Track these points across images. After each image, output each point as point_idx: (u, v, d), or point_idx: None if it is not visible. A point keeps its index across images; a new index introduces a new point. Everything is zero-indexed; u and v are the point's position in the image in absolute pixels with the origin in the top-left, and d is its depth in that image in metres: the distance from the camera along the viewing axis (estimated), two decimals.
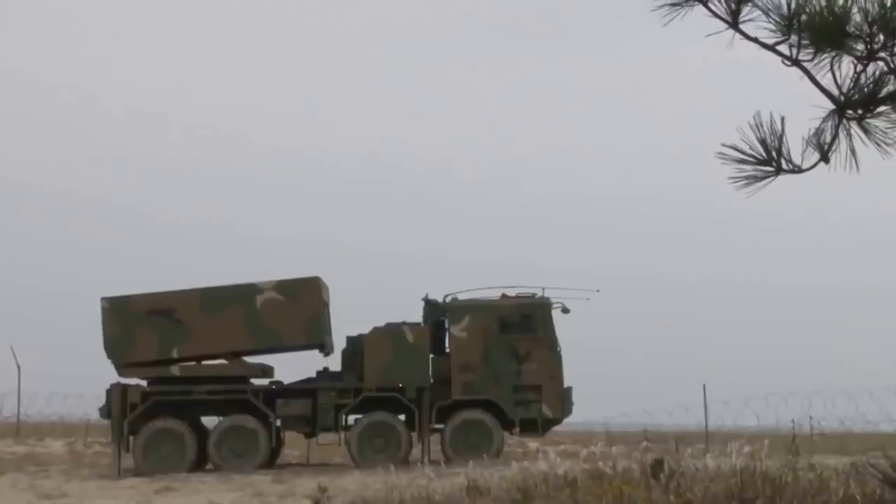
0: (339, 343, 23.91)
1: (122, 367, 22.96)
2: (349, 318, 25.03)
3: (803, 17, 3.65)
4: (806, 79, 3.81)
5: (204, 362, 23.56)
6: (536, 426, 23.17)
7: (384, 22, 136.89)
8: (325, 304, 23.55)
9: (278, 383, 23.82)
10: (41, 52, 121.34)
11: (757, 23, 3.76)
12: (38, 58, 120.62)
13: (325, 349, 23.86)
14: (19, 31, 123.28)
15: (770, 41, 3.76)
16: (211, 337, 22.75)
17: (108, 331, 22.95)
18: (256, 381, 23.73)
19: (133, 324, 22.86)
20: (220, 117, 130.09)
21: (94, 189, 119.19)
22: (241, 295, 23.09)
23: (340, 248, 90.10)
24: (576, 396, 23.43)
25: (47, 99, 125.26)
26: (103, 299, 23.11)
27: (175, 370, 23.14)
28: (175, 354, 22.97)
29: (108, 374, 23.10)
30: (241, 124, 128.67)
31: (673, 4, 3.72)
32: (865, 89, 3.84)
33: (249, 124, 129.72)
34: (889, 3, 3.66)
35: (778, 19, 3.71)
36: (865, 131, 3.86)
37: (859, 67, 3.81)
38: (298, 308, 22.86)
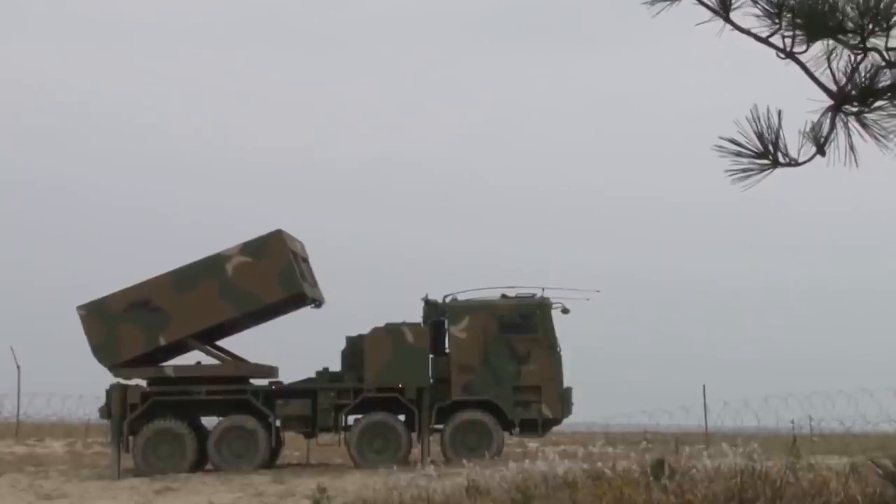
0: (339, 340, 23.91)
1: (117, 368, 22.93)
2: (349, 319, 25.00)
3: (792, 2, 3.63)
4: (803, 73, 3.80)
5: (203, 363, 23.56)
6: (536, 426, 23.12)
7: (384, 21, 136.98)
8: (296, 255, 23.42)
9: (278, 383, 23.82)
10: (41, 53, 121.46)
11: (745, 9, 3.74)
12: (37, 57, 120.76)
13: (312, 301, 23.82)
14: (19, 32, 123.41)
15: (762, 32, 3.75)
16: (192, 315, 22.72)
17: (92, 336, 22.88)
18: (256, 382, 23.75)
19: (115, 323, 22.82)
20: (221, 117, 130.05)
21: (94, 188, 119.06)
22: (211, 267, 23.03)
23: (340, 249, 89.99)
24: (575, 397, 23.43)
25: (48, 99, 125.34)
26: (79, 307, 23.04)
27: (173, 371, 23.16)
28: (163, 342, 22.91)
29: (108, 375, 23.11)
30: (241, 124, 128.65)
31: None
32: (862, 84, 3.83)
33: (249, 124, 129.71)
34: None
35: (766, 6, 3.70)
36: (863, 125, 3.85)
37: (854, 59, 3.80)
38: (268, 264, 22.77)
